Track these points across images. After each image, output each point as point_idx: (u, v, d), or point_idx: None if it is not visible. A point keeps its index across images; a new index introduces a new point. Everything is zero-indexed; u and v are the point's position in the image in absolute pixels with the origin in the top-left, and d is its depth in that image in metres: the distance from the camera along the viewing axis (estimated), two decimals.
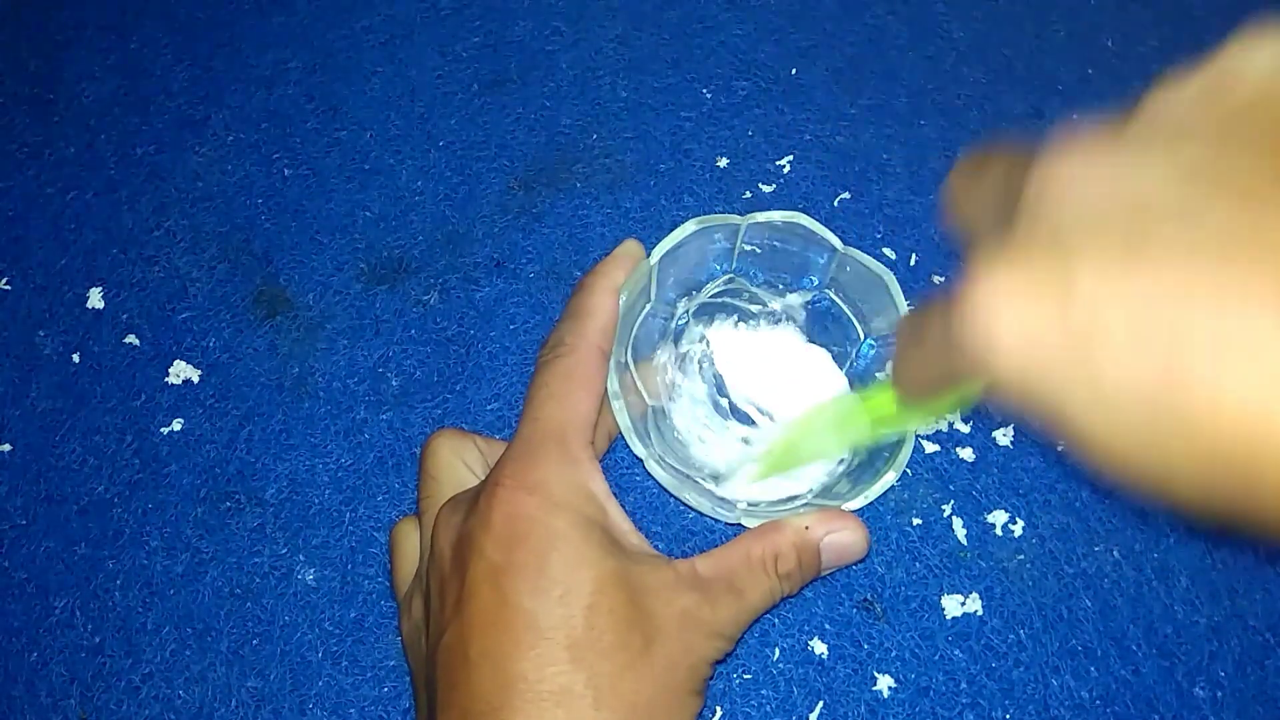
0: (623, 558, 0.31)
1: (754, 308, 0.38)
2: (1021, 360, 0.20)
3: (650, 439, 0.35)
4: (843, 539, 0.33)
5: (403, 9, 0.47)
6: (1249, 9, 0.47)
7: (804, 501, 0.35)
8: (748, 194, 0.43)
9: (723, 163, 0.43)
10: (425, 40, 0.46)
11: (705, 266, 0.37)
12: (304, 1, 0.47)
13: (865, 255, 0.35)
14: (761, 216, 0.35)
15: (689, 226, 0.35)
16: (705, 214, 0.36)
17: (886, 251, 0.41)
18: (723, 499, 0.35)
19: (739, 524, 0.34)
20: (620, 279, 0.35)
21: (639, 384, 0.36)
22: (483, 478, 0.35)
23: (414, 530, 0.36)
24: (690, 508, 0.35)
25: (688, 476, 0.35)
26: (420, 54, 0.46)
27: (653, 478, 0.34)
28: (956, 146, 0.43)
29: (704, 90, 0.45)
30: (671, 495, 0.35)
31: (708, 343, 0.38)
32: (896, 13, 0.46)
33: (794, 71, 0.45)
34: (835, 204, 0.42)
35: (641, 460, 0.34)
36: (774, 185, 0.43)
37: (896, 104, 0.44)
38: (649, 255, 0.35)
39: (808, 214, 0.35)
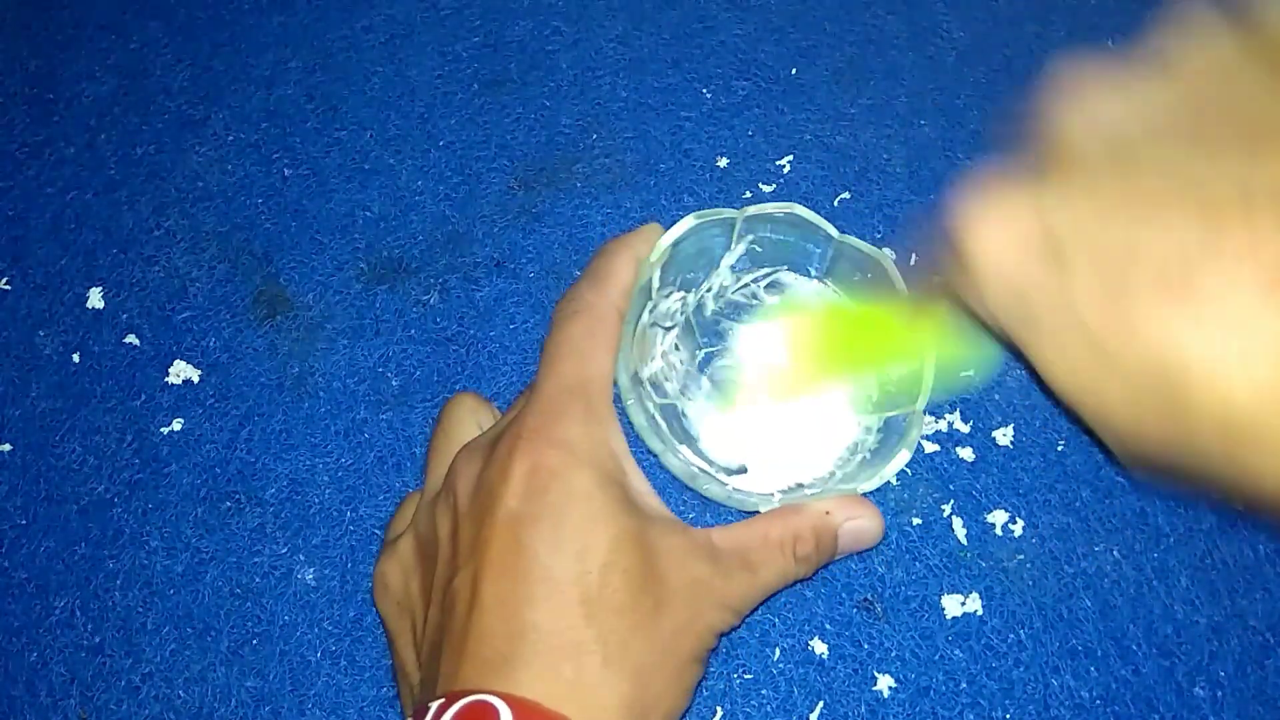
0: (640, 518, 0.31)
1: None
2: (1000, 281, 0.21)
3: (662, 434, 0.35)
4: (861, 525, 0.34)
5: (403, 9, 0.47)
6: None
7: (819, 490, 0.35)
8: (748, 194, 0.43)
9: (723, 163, 0.43)
10: (425, 40, 0.46)
11: (704, 261, 0.38)
12: (304, 1, 0.47)
13: (861, 241, 0.36)
14: (756, 209, 0.36)
15: (688, 221, 0.36)
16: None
17: (886, 251, 0.41)
18: (737, 489, 0.36)
19: (755, 512, 0.34)
20: (643, 251, 0.35)
21: (645, 383, 0.36)
22: None
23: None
24: (707, 498, 0.35)
25: (702, 470, 0.35)
26: (420, 54, 0.46)
27: (668, 470, 0.34)
28: (956, 146, 0.43)
29: (704, 90, 0.45)
30: (687, 487, 0.35)
31: (730, 338, 0.38)
32: (896, 13, 0.46)
33: (794, 71, 0.45)
34: (835, 204, 0.42)
35: (657, 455, 0.34)
36: (774, 185, 0.43)
37: (896, 104, 0.44)
38: (650, 254, 0.35)
39: None
